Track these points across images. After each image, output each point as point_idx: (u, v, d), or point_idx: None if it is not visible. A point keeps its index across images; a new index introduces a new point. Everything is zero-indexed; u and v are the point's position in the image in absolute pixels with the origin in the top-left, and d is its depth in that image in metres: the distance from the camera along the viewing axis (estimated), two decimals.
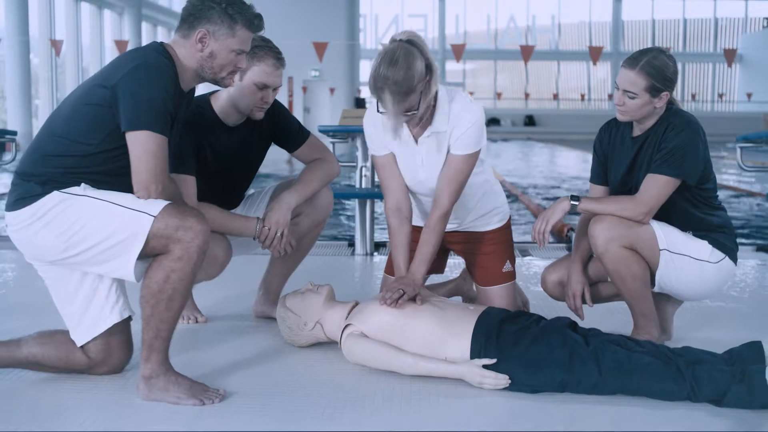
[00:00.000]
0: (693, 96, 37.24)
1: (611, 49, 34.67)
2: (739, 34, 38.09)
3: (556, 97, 37.26)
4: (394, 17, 35.84)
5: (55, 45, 17.95)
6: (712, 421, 2.30)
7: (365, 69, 33.02)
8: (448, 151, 2.87)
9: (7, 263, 4.68)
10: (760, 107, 32.44)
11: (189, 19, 2.51)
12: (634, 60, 2.88)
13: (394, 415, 2.34)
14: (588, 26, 37.56)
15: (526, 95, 36.40)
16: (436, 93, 2.79)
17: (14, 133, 5.70)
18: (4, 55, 17.92)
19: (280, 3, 27.20)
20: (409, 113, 2.70)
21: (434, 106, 2.81)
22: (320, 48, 15.66)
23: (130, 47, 18.44)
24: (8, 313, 3.46)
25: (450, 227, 3.06)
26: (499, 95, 36.03)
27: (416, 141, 2.88)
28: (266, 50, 3.00)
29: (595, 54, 15.53)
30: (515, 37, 36.04)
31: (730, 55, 17.46)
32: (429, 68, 2.69)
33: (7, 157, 5.70)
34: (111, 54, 24.04)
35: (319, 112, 28.37)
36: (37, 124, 20.66)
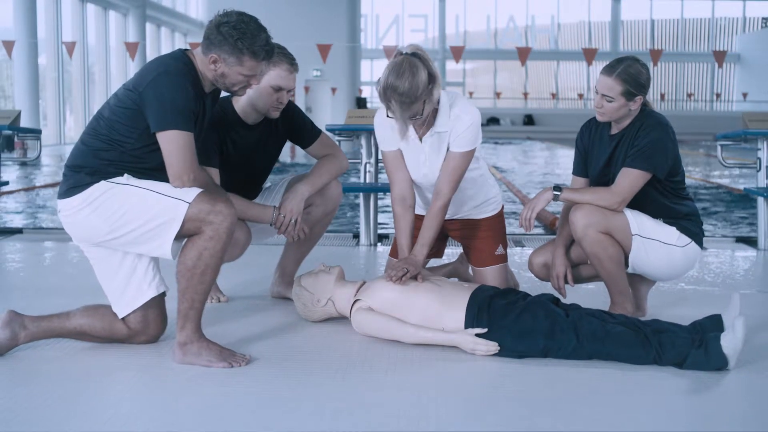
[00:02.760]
0: (690, 95, 37.42)
1: (610, 49, 34.92)
2: (737, 34, 38.28)
3: (554, 96, 37.47)
4: (394, 17, 36.00)
5: (68, 47, 18.25)
6: (674, 380, 2.65)
7: (366, 69, 33.28)
8: (448, 149, 3.21)
9: (36, 252, 5.04)
10: (758, 107, 32.56)
11: (206, 42, 2.80)
12: (611, 68, 3.23)
13: (397, 376, 2.69)
14: (587, 26, 37.81)
15: (525, 95, 36.57)
16: (439, 98, 3.13)
17: (39, 131, 6.07)
18: (14, 57, 18.22)
19: (283, 3, 27.51)
20: (414, 118, 3.05)
21: (437, 110, 3.15)
22: (324, 49, 15.96)
23: (139, 49, 18.81)
24: (48, 294, 3.82)
25: (449, 216, 3.40)
26: (498, 95, 36.14)
27: (420, 140, 3.22)
28: (281, 56, 3.33)
29: (590, 55, 15.85)
30: (515, 37, 36.26)
31: (720, 57, 17.80)
32: (432, 77, 3.01)
33: (32, 154, 6.05)
34: (116, 54, 24.37)
35: (321, 112, 28.59)
36: (44, 124, 21.01)
